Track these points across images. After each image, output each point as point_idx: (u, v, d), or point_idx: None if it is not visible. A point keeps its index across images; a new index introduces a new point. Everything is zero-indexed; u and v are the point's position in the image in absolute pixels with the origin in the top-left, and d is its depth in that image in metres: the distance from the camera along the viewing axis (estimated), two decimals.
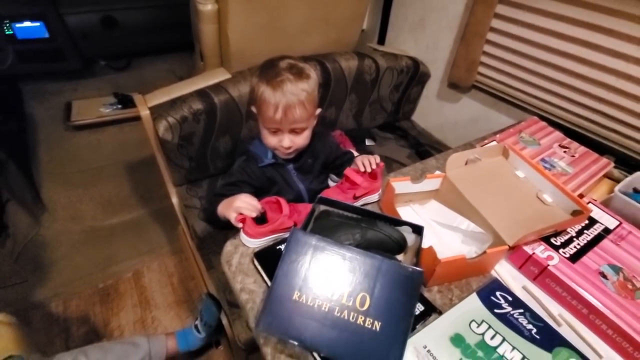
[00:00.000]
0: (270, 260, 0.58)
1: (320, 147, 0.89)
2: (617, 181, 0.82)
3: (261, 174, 0.84)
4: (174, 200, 1.11)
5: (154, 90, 1.01)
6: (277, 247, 0.61)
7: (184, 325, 1.19)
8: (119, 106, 1.83)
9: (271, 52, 1.10)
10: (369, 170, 0.73)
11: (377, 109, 1.35)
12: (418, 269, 0.47)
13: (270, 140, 0.78)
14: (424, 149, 1.32)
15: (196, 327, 1.03)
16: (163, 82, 1.04)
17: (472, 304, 0.54)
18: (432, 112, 1.42)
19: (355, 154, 0.95)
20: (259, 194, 0.75)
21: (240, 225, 0.61)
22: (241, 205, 0.63)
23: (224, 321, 0.93)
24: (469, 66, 1.15)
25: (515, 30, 1.00)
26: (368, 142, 1.34)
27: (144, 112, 0.93)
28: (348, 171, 0.71)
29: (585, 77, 0.89)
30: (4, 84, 1.79)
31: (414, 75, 1.33)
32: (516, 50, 1.02)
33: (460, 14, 1.16)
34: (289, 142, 0.77)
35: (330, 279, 0.48)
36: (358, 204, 0.70)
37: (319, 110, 0.81)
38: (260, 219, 0.63)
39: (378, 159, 0.75)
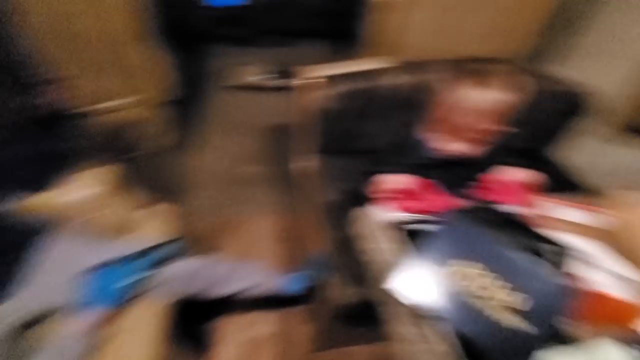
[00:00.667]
0: (410, 232, 0.62)
1: None
2: None
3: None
4: (308, 164, 1.23)
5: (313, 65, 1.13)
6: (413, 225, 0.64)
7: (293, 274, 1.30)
8: (276, 75, 2.11)
9: (437, 51, 1.13)
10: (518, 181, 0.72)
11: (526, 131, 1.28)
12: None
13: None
14: (565, 185, 1.20)
15: (300, 276, 1.14)
16: (316, 63, 1.15)
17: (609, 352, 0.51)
18: (587, 150, 1.28)
19: None
20: None
21: (391, 196, 0.66)
22: (396, 183, 0.69)
23: (325, 282, 1.01)
24: None
25: None
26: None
27: (305, 82, 1.05)
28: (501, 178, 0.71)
29: None
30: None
31: (576, 106, 1.21)
32: None
33: None
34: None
35: (479, 266, 0.50)
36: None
37: None
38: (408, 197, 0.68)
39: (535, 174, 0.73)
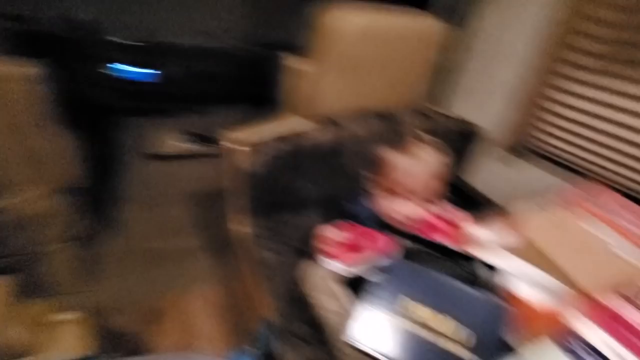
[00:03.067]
0: (354, 281, 0.64)
1: None
2: None
3: None
4: (242, 229, 1.20)
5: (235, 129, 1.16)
6: (361, 273, 0.66)
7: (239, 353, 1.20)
8: (197, 142, 2.07)
9: (350, 108, 1.26)
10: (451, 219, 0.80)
11: None
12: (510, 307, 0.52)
13: (400, 208, 0.85)
14: (478, 206, 1.36)
15: (250, 355, 1.05)
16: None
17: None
18: (485, 173, 1.49)
19: None
20: None
21: (334, 250, 0.68)
22: (335, 235, 0.71)
23: (281, 350, 0.95)
24: (524, 131, 1.24)
25: (572, 101, 1.10)
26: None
27: (230, 145, 1.07)
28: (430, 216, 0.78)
29: None
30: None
31: (469, 136, 1.43)
32: (572, 119, 1.11)
33: (514, 83, 1.28)
34: (420, 211, 0.85)
35: (425, 303, 0.53)
36: None
37: None
38: (352, 248, 0.70)
39: (463, 214, 0.81)
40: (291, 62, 1.18)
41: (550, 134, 1.18)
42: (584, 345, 0.57)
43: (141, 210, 1.77)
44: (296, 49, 1.23)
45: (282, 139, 1.09)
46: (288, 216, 1.21)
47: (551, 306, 0.59)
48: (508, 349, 0.56)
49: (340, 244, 0.69)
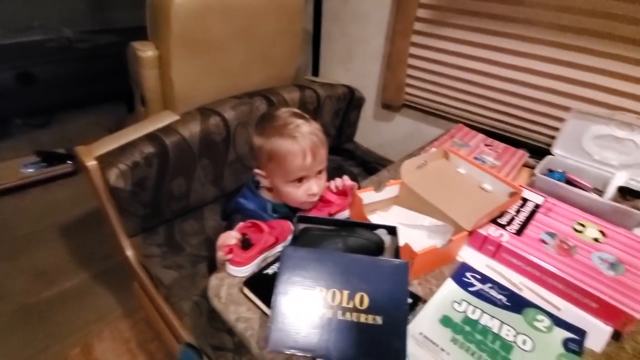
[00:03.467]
0: (259, 285, 0.59)
1: None
2: (533, 168, 0.98)
3: None
4: (129, 253, 1.03)
5: (81, 145, 0.96)
6: (264, 272, 0.61)
7: None
8: (44, 164, 1.67)
9: (216, 90, 1.14)
10: (339, 187, 0.77)
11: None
12: (402, 260, 0.52)
13: (296, 192, 0.73)
14: (371, 165, 1.42)
15: None
16: (90, 136, 0.99)
17: (450, 288, 0.61)
18: (371, 132, 1.56)
19: None
20: None
21: (229, 257, 0.60)
22: (224, 241, 0.63)
23: None
24: (396, 88, 1.30)
25: (431, 54, 1.18)
26: None
27: (90, 163, 0.88)
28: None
29: (494, 88, 1.08)
30: None
31: (350, 101, 1.45)
32: (434, 70, 1.19)
33: (382, 45, 1.33)
34: (317, 187, 0.73)
35: (328, 286, 0.50)
36: None
37: None
38: (245, 246, 0.63)
39: (348, 179, 0.79)
40: (137, 48, 1.00)
41: (419, 88, 1.27)
42: (475, 274, 0.63)
43: (0, 265, 1.40)
44: (142, 32, 1.05)
45: (139, 142, 0.93)
46: (176, 224, 1.08)
47: (441, 246, 0.62)
48: (415, 301, 0.58)
49: (234, 246, 0.61)
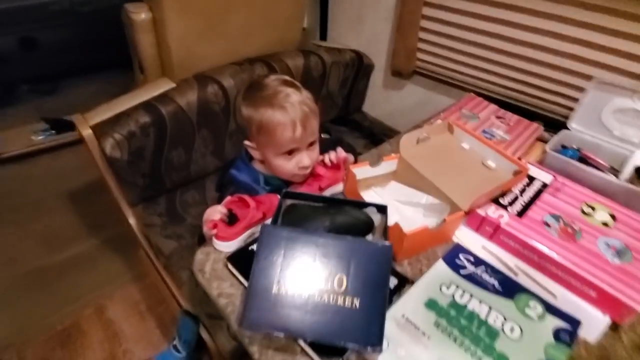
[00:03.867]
0: (243, 261, 0.58)
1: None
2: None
3: None
4: (132, 221, 1.05)
5: (89, 111, 0.95)
6: (250, 248, 0.60)
7: (164, 349, 1.14)
8: (52, 132, 1.69)
9: (215, 56, 1.09)
10: (332, 161, 0.74)
11: (328, 104, 1.38)
12: (386, 243, 0.50)
13: (287, 165, 0.70)
14: (378, 137, 1.37)
15: (175, 347, 0.99)
16: (96, 103, 0.98)
17: (440, 269, 0.58)
18: (380, 101, 1.48)
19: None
20: None
21: (214, 231, 0.59)
22: (209, 215, 0.62)
23: (205, 336, 0.90)
24: (407, 54, 1.21)
25: (445, 15, 1.08)
26: (324, 137, 1.36)
27: (87, 132, 0.88)
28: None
29: (510, 53, 0.99)
30: None
31: (359, 68, 1.37)
32: (448, 34, 1.10)
33: (393, 5, 1.23)
34: (309, 160, 0.70)
35: (306, 266, 0.48)
36: (325, 194, 0.72)
37: None
38: (230, 222, 0.62)
39: (342, 152, 0.75)
40: (130, 11, 0.96)
41: (431, 53, 1.18)
42: (469, 256, 0.60)
43: (10, 229, 1.46)
44: None
45: (135, 111, 0.91)
46: (177, 194, 1.08)
47: (436, 227, 0.59)
48: (402, 282, 0.56)
49: (219, 221, 0.60)
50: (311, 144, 0.72)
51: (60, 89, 1.98)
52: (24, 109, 1.85)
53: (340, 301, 0.46)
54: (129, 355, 1.20)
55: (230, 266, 0.58)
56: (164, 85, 1.00)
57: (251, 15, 1.09)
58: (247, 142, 0.73)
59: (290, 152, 0.70)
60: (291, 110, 0.66)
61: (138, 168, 0.95)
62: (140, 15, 0.96)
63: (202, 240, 0.67)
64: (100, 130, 0.88)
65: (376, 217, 0.62)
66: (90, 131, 0.88)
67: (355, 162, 0.83)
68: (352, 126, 1.45)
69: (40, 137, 1.69)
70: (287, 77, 0.71)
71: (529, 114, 0.99)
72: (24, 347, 1.20)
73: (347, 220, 0.59)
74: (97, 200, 1.49)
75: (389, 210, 0.62)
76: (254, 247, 0.60)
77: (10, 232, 1.46)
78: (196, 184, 1.13)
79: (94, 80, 2.03)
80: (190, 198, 1.09)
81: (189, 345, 0.96)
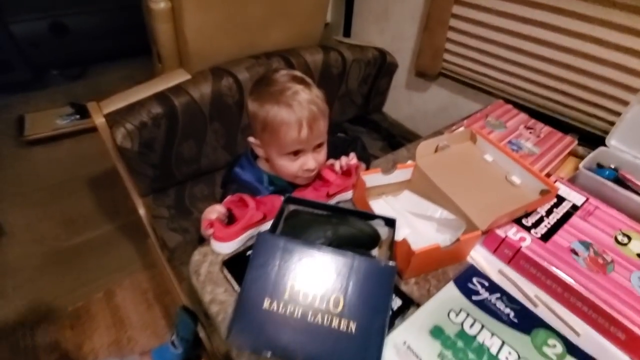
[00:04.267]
0: (240, 267, 0.55)
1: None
2: (582, 158, 0.83)
3: None
4: (141, 211, 1.05)
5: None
6: (247, 254, 0.57)
7: (162, 343, 1.14)
8: (77, 117, 1.73)
9: (233, 49, 1.07)
10: (343, 168, 0.69)
11: (346, 103, 1.34)
12: (390, 263, 0.46)
13: (291, 166, 0.67)
14: (397, 140, 1.31)
15: (172, 343, 0.98)
16: (122, 89, 0.98)
17: (450, 293, 0.53)
18: (402, 102, 1.42)
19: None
20: None
21: (210, 231, 0.57)
22: (206, 214, 0.60)
23: (202, 334, 0.89)
24: (434, 54, 1.15)
25: (477, 15, 1.01)
26: (340, 135, 1.32)
27: (99, 120, 0.88)
28: (322, 169, 0.68)
29: (546, 58, 0.91)
30: None
31: (382, 66, 1.32)
32: (479, 35, 1.03)
33: (422, 2, 1.16)
34: (314, 163, 0.66)
35: (302, 281, 0.45)
36: (333, 201, 0.68)
37: None
38: (229, 222, 0.60)
39: (353, 158, 0.70)
40: (150, 0, 0.94)
41: (459, 54, 1.11)
42: (483, 281, 0.55)
43: (30, 207, 1.51)
44: None
45: (148, 101, 0.90)
46: (187, 187, 1.07)
47: (449, 246, 0.54)
48: (407, 304, 0.52)
49: (215, 220, 0.57)
50: (318, 146, 0.68)
51: (89, 74, 2.03)
52: (53, 94, 1.90)
53: (335, 323, 0.42)
54: (133, 343, 1.21)
55: (225, 271, 0.55)
56: (180, 77, 0.98)
57: (271, 8, 1.06)
58: (251, 139, 0.70)
59: (295, 153, 0.66)
60: (298, 109, 0.62)
61: (148, 159, 0.94)
62: (159, 4, 0.94)
63: (203, 239, 0.65)
64: (113, 119, 0.87)
65: (383, 230, 0.58)
66: (103, 120, 0.87)
67: (368, 167, 0.79)
68: (370, 127, 1.40)
69: (66, 122, 1.73)
70: (298, 73, 0.67)
71: (563, 126, 0.91)
72: (36, 325, 1.23)
73: (351, 231, 0.55)
74: (115, 187, 1.51)
75: (398, 223, 0.57)
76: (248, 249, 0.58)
77: (32, 212, 1.51)
78: (206, 178, 1.11)
79: (122, 66, 2.06)
80: (199, 192, 1.07)
81: (186, 342, 0.95)
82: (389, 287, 0.45)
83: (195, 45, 1.00)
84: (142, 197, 1.04)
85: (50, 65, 1.85)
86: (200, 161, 1.05)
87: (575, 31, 0.83)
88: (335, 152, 0.81)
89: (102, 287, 1.34)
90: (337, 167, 0.69)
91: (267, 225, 0.60)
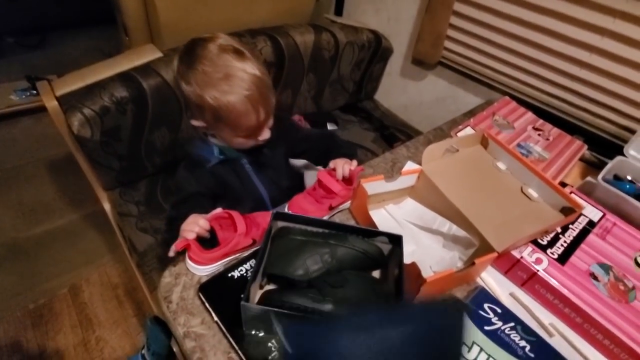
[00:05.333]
0: (219, 291, 0.47)
1: (279, 134, 0.68)
2: (589, 163, 0.79)
3: (211, 177, 0.67)
4: (106, 207, 0.94)
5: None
6: (229, 275, 0.49)
7: (135, 345, 1.05)
8: (34, 92, 1.54)
9: (212, 23, 0.94)
10: (345, 175, 0.60)
11: (337, 89, 1.24)
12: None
13: (246, 143, 0.63)
14: (389, 131, 1.23)
15: (143, 356, 0.89)
16: (87, 62, 0.84)
17: None
18: (395, 90, 1.33)
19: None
20: (214, 202, 0.62)
21: (176, 251, 0.48)
22: (184, 228, 0.51)
23: (176, 348, 0.80)
24: (434, 40, 1.06)
25: (484, 0, 0.92)
26: (330, 127, 1.22)
27: (51, 104, 0.74)
28: (323, 175, 0.59)
29: (557, 52, 0.84)
30: None
31: (376, 51, 1.22)
32: (484, 22, 0.94)
33: None
34: (269, 133, 0.64)
35: None
36: (331, 213, 0.60)
37: None
38: (211, 238, 0.51)
39: (355, 163, 0.62)
40: None
41: (462, 42, 1.02)
42: (495, 307, 0.49)
43: None
44: None
45: (110, 83, 0.77)
46: (160, 180, 0.96)
47: (462, 270, 0.48)
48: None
49: (192, 241, 0.48)
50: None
51: (49, 44, 1.81)
52: (8, 65, 1.68)
53: None
54: (102, 344, 1.12)
55: (202, 298, 0.47)
56: (149, 54, 0.85)
57: None
58: (195, 122, 0.61)
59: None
60: (251, 96, 0.55)
61: (113, 149, 0.82)
62: None
63: (171, 241, 0.55)
64: (68, 103, 0.74)
65: (385, 248, 0.51)
66: (55, 103, 0.74)
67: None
68: (362, 116, 1.31)
69: (21, 97, 1.54)
70: (233, 43, 0.56)
71: (569, 126, 0.86)
72: None
73: (352, 253, 0.48)
74: (80, 171, 1.37)
75: (404, 239, 0.50)
76: (235, 273, 0.49)
77: None
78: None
79: (87, 36, 1.85)
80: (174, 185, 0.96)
81: (158, 357, 0.86)
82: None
83: (167, 16, 0.86)
84: (107, 191, 0.92)
85: (4, 32, 1.62)
86: (174, 151, 0.94)
87: (592, 24, 0.76)
88: (314, 152, 0.77)
89: (66, 283, 1.23)
90: (338, 174, 0.60)
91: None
